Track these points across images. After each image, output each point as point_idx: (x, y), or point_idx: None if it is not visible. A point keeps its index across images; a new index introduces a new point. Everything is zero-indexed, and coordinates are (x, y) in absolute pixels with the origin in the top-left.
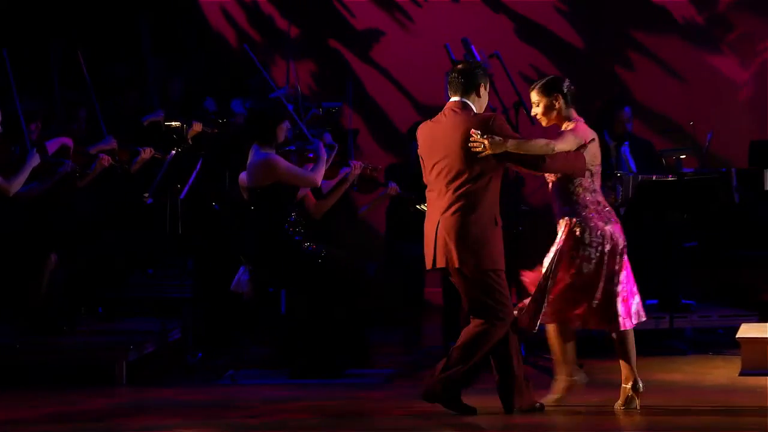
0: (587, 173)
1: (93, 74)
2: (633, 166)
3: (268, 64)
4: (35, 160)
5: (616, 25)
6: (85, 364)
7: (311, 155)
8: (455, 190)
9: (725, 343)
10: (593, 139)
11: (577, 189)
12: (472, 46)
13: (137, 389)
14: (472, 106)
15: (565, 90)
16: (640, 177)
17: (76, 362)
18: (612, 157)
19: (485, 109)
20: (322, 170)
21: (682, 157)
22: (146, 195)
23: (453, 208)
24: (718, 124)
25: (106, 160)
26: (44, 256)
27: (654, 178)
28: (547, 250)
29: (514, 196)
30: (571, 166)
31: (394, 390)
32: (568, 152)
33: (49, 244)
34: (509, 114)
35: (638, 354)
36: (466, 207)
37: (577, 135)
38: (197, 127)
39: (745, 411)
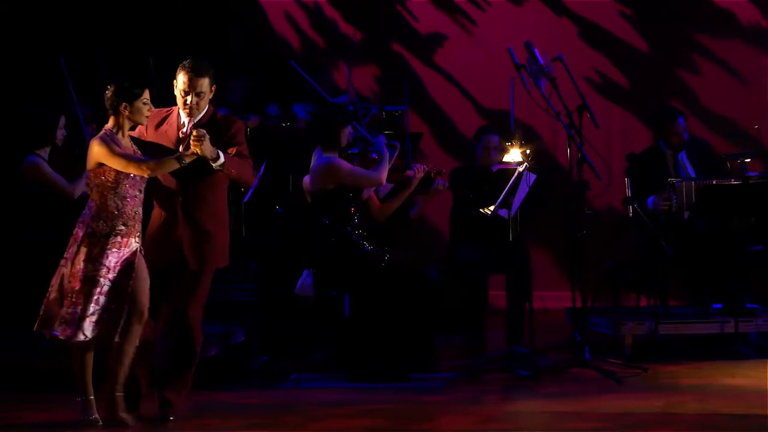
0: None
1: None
2: (692, 172)
3: (330, 69)
4: None
5: (680, 28)
6: None
7: (374, 155)
8: None
9: None
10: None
11: None
12: (536, 50)
13: (199, 392)
14: None
15: None
16: (694, 183)
17: None
18: (669, 166)
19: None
20: (385, 169)
21: (746, 160)
22: None
23: None
24: None
25: None
26: None
27: (714, 182)
28: (607, 254)
29: (578, 200)
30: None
31: (457, 394)
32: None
33: None
34: (573, 117)
35: (703, 358)
36: None
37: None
38: (254, 121)
39: None
